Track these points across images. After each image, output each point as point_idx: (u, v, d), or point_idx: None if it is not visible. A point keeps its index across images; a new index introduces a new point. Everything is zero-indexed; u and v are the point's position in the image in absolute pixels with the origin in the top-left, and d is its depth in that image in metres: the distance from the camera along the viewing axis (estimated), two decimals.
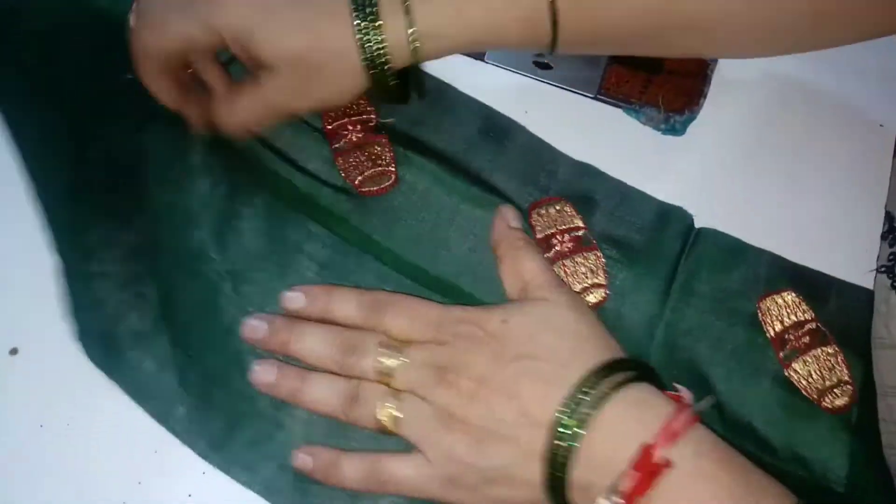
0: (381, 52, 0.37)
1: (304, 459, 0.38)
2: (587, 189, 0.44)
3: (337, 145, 0.44)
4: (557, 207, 0.43)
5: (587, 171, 0.45)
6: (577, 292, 0.41)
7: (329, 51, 0.38)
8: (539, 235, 0.42)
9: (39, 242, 0.43)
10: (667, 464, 0.31)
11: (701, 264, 0.42)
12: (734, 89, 0.48)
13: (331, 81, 0.39)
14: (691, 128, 0.46)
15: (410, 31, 0.37)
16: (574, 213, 0.43)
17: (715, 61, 0.48)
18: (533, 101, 0.47)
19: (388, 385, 0.37)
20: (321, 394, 0.37)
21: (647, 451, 0.32)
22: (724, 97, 0.47)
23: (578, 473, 0.33)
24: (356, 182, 0.43)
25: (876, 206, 0.44)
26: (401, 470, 0.36)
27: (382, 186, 0.43)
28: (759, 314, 0.41)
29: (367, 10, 0.37)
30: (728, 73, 0.48)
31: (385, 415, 0.36)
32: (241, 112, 0.40)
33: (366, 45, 0.37)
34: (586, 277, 0.41)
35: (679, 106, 0.46)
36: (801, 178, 0.46)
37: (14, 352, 0.41)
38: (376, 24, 0.37)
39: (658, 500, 0.31)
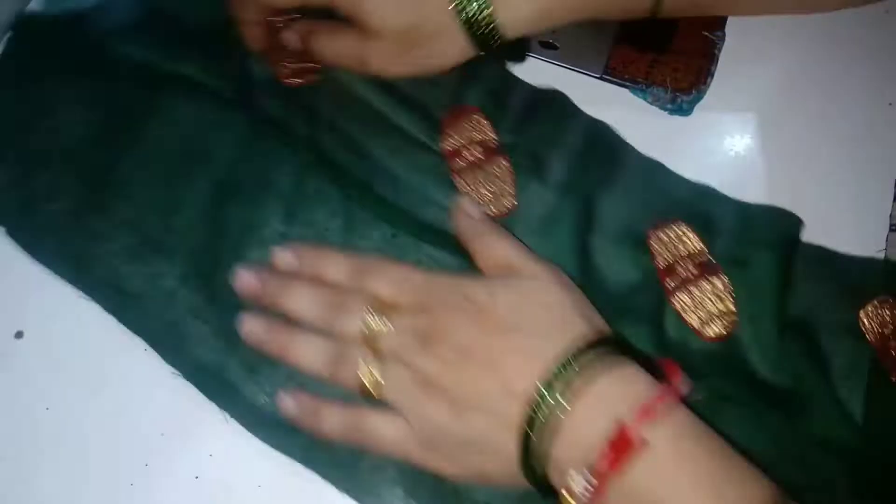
0: (486, 31, 0.39)
1: (287, 403, 0.38)
2: (706, 210, 0.43)
3: (457, 165, 0.43)
4: (677, 231, 0.41)
5: (705, 193, 0.43)
6: (703, 321, 0.40)
7: (433, 25, 0.40)
8: (661, 264, 0.41)
9: None
10: (642, 442, 0.31)
11: (799, 279, 0.41)
12: (741, 69, 0.47)
13: (435, 52, 0.41)
14: (698, 108, 0.46)
15: (515, 13, 0.39)
16: (695, 236, 0.41)
17: (722, 41, 0.47)
18: (539, 81, 0.46)
19: (373, 348, 0.37)
20: (307, 352, 0.38)
21: (623, 428, 0.31)
22: (731, 77, 0.47)
23: (554, 448, 0.33)
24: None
25: (885, 183, 0.44)
26: (381, 428, 0.36)
27: (502, 211, 0.42)
28: (860, 324, 0.40)
29: None
30: (735, 52, 0.47)
31: (368, 378, 0.36)
32: (336, 50, 0.42)
33: (471, 23, 0.39)
34: (714, 304, 0.40)
35: (686, 86, 0.46)
36: (808, 158, 0.45)
37: (20, 335, 0.41)
38: (481, 5, 0.39)
39: (634, 479, 0.31)
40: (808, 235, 0.43)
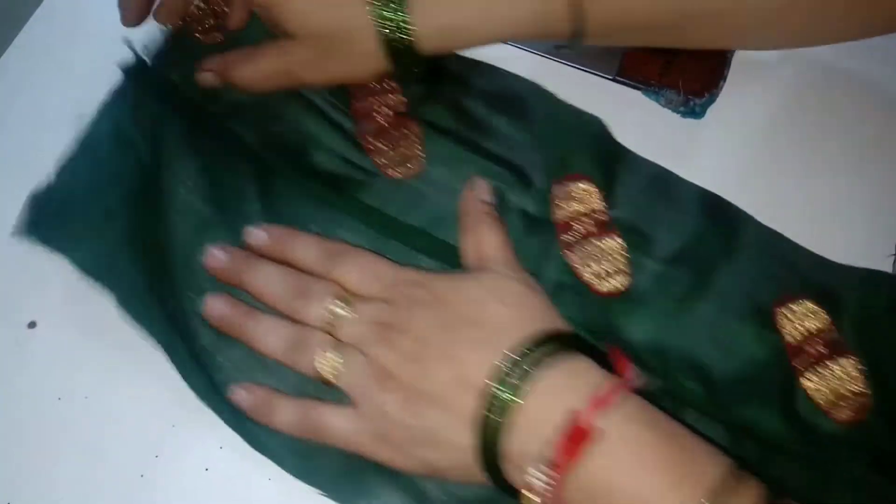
0: (400, 37, 0.39)
1: (241, 395, 0.38)
2: (826, 282, 0.41)
3: (567, 239, 0.42)
4: (803, 307, 0.40)
5: (822, 263, 0.42)
6: (834, 403, 0.38)
7: (349, 30, 0.40)
8: (789, 341, 0.39)
9: None
10: (593, 430, 0.31)
11: None
12: (754, 72, 0.47)
13: (350, 59, 0.41)
14: (711, 111, 0.46)
15: (431, 22, 0.39)
16: (822, 312, 0.39)
17: None
18: (552, 82, 0.46)
19: (333, 336, 0.37)
20: (266, 333, 0.38)
21: (576, 418, 0.32)
22: (744, 80, 0.47)
23: (509, 442, 0.33)
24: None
25: None
26: (333, 420, 0.36)
27: (616, 289, 0.40)
28: None
29: None
30: (748, 55, 0.47)
31: (324, 364, 0.36)
32: (259, 71, 0.42)
33: (381, 30, 0.39)
34: (845, 385, 0.38)
35: (699, 88, 0.46)
36: (821, 162, 0.45)
37: (33, 325, 0.41)
38: (397, 10, 0.38)
39: (589, 469, 0.31)
40: (818, 239, 0.43)
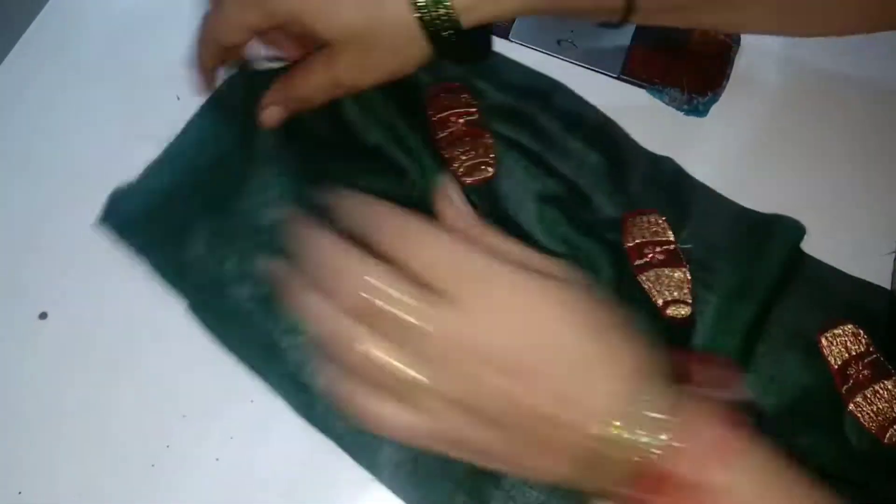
0: (438, 14, 0.38)
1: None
2: (864, 304, 0.42)
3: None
4: (845, 331, 0.41)
5: (864, 286, 0.42)
6: (882, 425, 0.39)
7: (386, 22, 0.39)
8: (835, 367, 0.40)
9: (67, 210, 0.44)
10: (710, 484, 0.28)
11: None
12: (757, 71, 0.48)
13: (393, 51, 0.40)
14: (714, 109, 0.47)
15: None
16: (864, 335, 0.40)
17: (738, 43, 0.48)
18: (558, 79, 0.47)
19: (374, 324, 0.30)
20: (309, 308, 0.31)
21: (691, 470, 0.28)
22: (746, 79, 0.47)
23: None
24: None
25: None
26: (394, 417, 0.31)
27: (682, 316, 0.41)
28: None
29: None
30: (751, 54, 0.48)
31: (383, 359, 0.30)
32: (312, 85, 0.42)
33: (424, 14, 0.38)
34: (891, 407, 0.39)
35: (702, 87, 0.47)
36: (822, 160, 0.46)
37: (44, 316, 0.42)
38: None
39: None
40: (819, 237, 0.43)
